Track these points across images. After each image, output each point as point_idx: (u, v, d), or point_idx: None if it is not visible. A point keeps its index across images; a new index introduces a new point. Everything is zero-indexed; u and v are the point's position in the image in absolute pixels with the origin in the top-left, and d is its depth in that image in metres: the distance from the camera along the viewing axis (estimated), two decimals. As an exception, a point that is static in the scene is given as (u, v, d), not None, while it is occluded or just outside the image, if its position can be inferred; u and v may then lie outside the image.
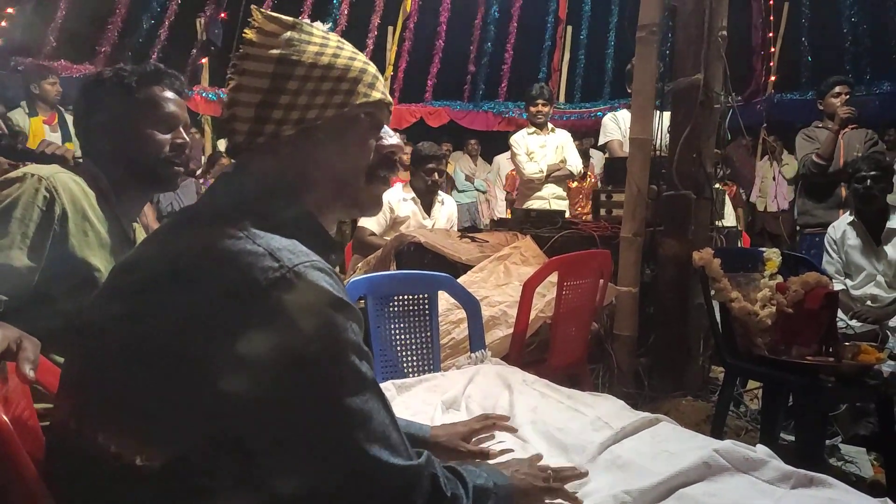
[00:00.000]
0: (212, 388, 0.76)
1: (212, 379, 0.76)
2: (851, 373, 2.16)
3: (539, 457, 1.16)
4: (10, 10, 6.63)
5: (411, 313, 2.08)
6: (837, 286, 3.15)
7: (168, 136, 1.44)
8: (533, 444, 1.31)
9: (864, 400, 2.57)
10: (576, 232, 3.38)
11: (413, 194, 3.87)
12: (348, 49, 0.97)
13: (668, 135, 3.14)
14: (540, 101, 4.73)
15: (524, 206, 4.57)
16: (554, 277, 2.45)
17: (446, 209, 4.02)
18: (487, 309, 2.47)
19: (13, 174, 1.34)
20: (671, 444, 1.20)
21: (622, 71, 4.58)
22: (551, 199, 4.71)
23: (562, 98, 9.90)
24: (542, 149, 4.74)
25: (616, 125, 4.45)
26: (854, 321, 3.16)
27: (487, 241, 3.25)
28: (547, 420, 1.35)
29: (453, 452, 1.26)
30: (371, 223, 3.72)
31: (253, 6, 0.95)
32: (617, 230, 3.19)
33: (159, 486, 0.78)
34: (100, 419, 0.82)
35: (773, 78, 8.32)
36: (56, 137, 4.63)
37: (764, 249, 2.64)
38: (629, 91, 3.48)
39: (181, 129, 1.47)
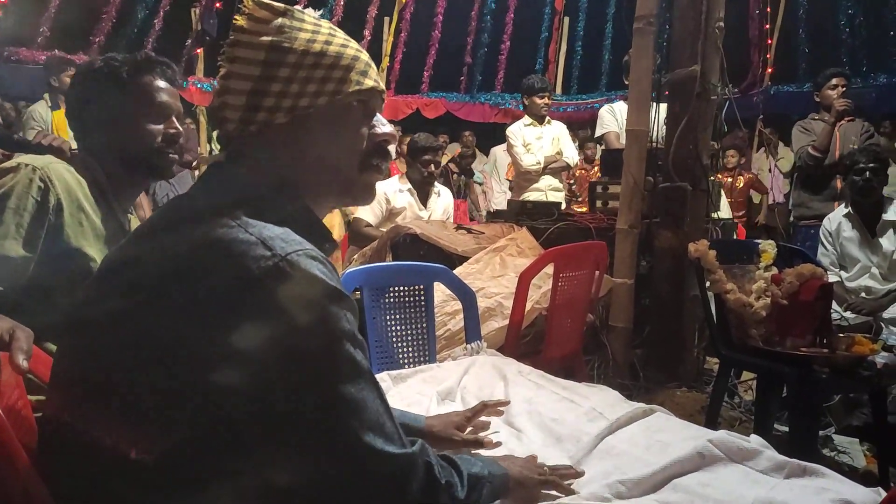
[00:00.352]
0: (205, 378, 0.76)
1: (205, 368, 0.76)
2: (845, 364, 2.17)
3: (535, 457, 1.17)
4: (2, 0, 6.58)
5: (407, 304, 2.08)
6: (832, 278, 3.16)
7: (161, 126, 1.43)
8: (528, 434, 1.31)
9: (857, 391, 2.58)
10: (572, 223, 3.38)
11: (409, 185, 3.86)
12: (340, 36, 0.96)
13: (664, 126, 3.14)
14: (545, 93, 4.73)
15: (521, 198, 4.56)
16: (550, 269, 2.45)
17: (442, 201, 4.01)
18: (483, 300, 2.47)
19: (7, 164, 1.33)
20: (665, 435, 1.21)
21: (619, 62, 4.57)
22: (548, 190, 4.70)
23: (558, 90, 9.89)
24: (539, 140, 4.73)
25: (613, 117, 4.44)
26: (848, 313, 3.17)
27: (483, 233, 3.25)
28: (542, 411, 1.36)
29: (448, 442, 1.26)
30: (367, 214, 3.72)
31: None
32: (613, 222, 3.19)
33: (153, 475, 0.77)
34: (92, 410, 0.81)
35: (769, 70, 8.31)
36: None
37: (759, 241, 2.64)
38: (626, 83, 3.48)
39: (174, 119, 1.46)
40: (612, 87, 9.57)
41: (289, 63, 0.90)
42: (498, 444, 1.28)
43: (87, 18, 7.63)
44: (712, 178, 3.19)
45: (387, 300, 2.05)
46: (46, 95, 4.63)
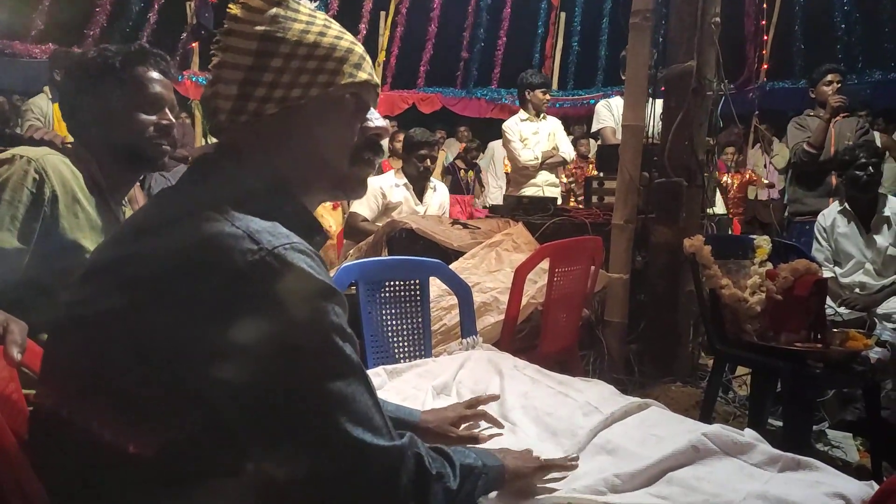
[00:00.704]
0: (192, 373, 0.76)
1: (192, 363, 0.75)
2: (839, 359, 2.18)
3: (530, 451, 1.17)
4: (-4, -8, 6.54)
5: (403, 299, 2.08)
6: (826, 273, 3.17)
7: (153, 117, 1.42)
8: (523, 428, 1.31)
9: (851, 386, 2.60)
10: (567, 219, 3.38)
11: (405, 180, 3.86)
12: (335, 28, 0.95)
13: (660, 122, 3.14)
14: (547, 88, 4.73)
15: (519, 194, 4.56)
16: (545, 264, 2.45)
17: (438, 196, 4.01)
18: (479, 295, 2.47)
19: (1, 156, 1.33)
20: (660, 429, 1.21)
21: (615, 58, 4.58)
22: (545, 186, 4.70)
23: (555, 85, 9.87)
24: (536, 135, 4.73)
25: (609, 112, 4.44)
26: (842, 308, 3.18)
27: (479, 228, 3.25)
28: (537, 405, 1.36)
29: (442, 437, 1.26)
30: (363, 209, 3.71)
31: None
32: (608, 217, 3.20)
33: (141, 470, 0.77)
34: (78, 405, 0.81)
35: (765, 66, 8.32)
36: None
37: (754, 237, 2.65)
38: (623, 78, 3.47)
39: (167, 110, 1.45)
40: (608, 82, 9.57)
41: (281, 53, 0.89)
42: (492, 437, 1.28)
43: (81, 12, 7.59)
44: (708, 173, 3.20)
45: (382, 295, 2.05)
46: (46, 88, 4.59)
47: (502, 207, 3.81)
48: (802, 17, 8.52)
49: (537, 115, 4.75)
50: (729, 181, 6.81)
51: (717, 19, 2.97)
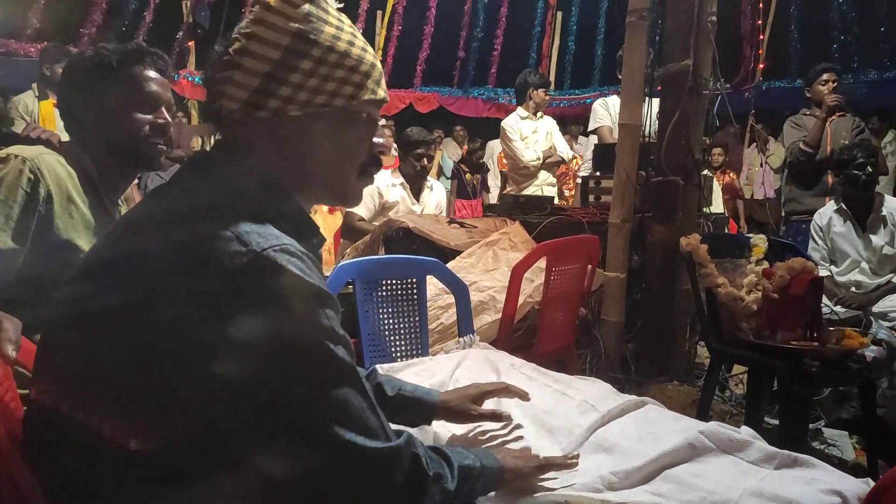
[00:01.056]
0: (180, 374, 0.75)
1: (179, 365, 0.75)
2: (835, 357, 2.19)
3: (529, 449, 1.17)
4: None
5: (400, 298, 2.08)
6: (822, 272, 3.17)
7: (149, 116, 1.42)
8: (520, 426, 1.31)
9: (847, 384, 2.60)
10: (564, 218, 3.38)
11: (402, 180, 3.86)
12: (360, 38, 0.94)
13: (657, 121, 3.14)
14: (547, 87, 4.75)
15: (520, 193, 4.55)
16: (542, 263, 2.45)
17: (435, 195, 4.01)
18: (476, 294, 2.47)
19: (-3, 156, 1.32)
20: (657, 427, 1.21)
21: (612, 57, 4.58)
22: (544, 185, 4.71)
23: (552, 85, 9.86)
24: (535, 134, 4.73)
25: (606, 111, 4.44)
26: (838, 307, 3.19)
27: (476, 227, 3.25)
28: (534, 403, 1.36)
29: (464, 415, 1.24)
30: (360, 208, 3.71)
31: None
32: (605, 216, 3.20)
33: (132, 469, 0.77)
34: (71, 401, 0.80)
35: (761, 65, 8.33)
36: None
37: (751, 235, 2.66)
38: (620, 77, 3.48)
39: (163, 109, 1.44)
40: (605, 81, 9.56)
41: (312, 56, 0.88)
42: (517, 427, 1.25)
43: (77, 11, 7.56)
44: (704, 172, 3.20)
45: (379, 294, 2.05)
46: (34, 85, 4.54)
47: (499, 206, 3.81)
48: (798, 16, 8.52)
49: (535, 114, 4.75)
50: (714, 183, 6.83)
51: (714, 18, 2.98)
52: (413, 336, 2.08)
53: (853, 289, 3.34)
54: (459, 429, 1.28)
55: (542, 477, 1.08)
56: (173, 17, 7.64)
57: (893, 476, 0.90)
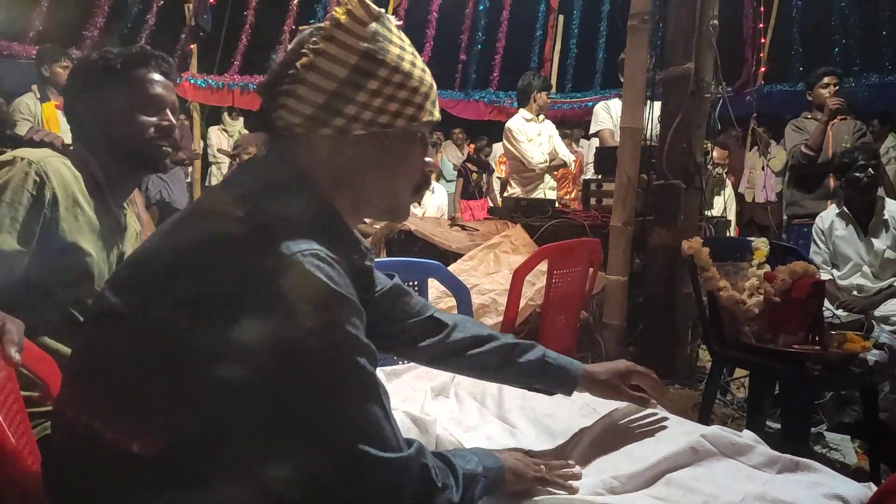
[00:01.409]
0: (206, 376, 0.76)
1: (207, 366, 0.76)
2: (837, 361, 2.18)
3: (531, 452, 1.17)
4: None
5: (401, 301, 2.07)
6: (824, 276, 3.17)
7: (154, 119, 1.42)
8: (521, 429, 1.31)
9: (848, 388, 2.60)
10: (566, 221, 3.39)
11: (403, 182, 3.85)
12: (419, 59, 0.94)
13: (658, 124, 3.14)
14: (549, 90, 4.75)
15: (525, 196, 4.54)
16: (544, 266, 2.45)
17: (436, 198, 4.02)
18: (477, 297, 2.47)
19: (2, 158, 1.32)
20: (659, 430, 1.21)
21: (614, 61, 4.58)
22: (546, 189, 4.71)
23: (553, 88, 9.86)
24: (539, 137, 4.73)
25: (608, 114, 4.44)
26: (840, 311, 3.18)
27: (478, 230, 3.26)
28: (535, 406, 1.36)
29: (612, 390, 1.23)
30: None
31: None
32: (607, 219, 3.20)
33: (153, 471, 0.78)
34: (107, 407, 0.81)
35: (763, 69, 8.33)
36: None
37: (752, 239, 2.65)
38: (622, 80, 3.48)
39: (168, 112, 1.45)
40: (606, 85, 9.56)
41: (379, 76, 0.88)
42: (651, 406, 1.25)
43: (79, 13, 7.58)
44: (706, 176, 3.20)
45: (381, 296, 2.05)
46: (35, 87, 4.54)
47: (501, 209, 3.81)
48: (800, 20, 8.53)
49: (538, 117, 4.76)
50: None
51: (715, 22, 2.98)
52: (415, 339, 2.07)
53: (855, 292, 3.33)
54: (461, 434, 1.28)
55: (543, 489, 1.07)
56: (176, 20, 7.64)
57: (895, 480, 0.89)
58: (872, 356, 2.19)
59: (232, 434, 0.77)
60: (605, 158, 3.82)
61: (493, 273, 2.77)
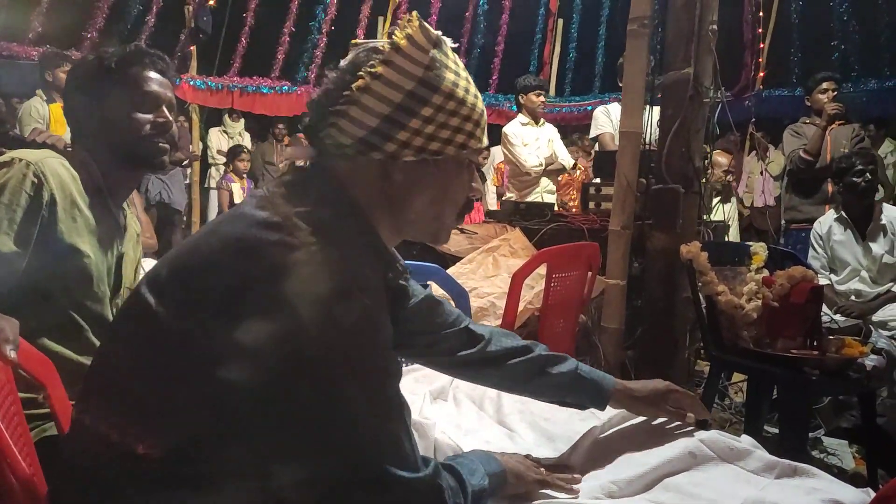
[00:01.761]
0: (235, 385, 0.76)
1: (235, 374, 0.76)
2: (835, 366, 2.19)
3: (530, 456, 1.17)
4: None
5: (400, 304, 2.07)
6: (822, 281, 3.18)
7: (150, 116, 1.42)
8: (520, 434, 1.31)
9: (846, 393, 2.60)
10: (565, 224, 3.39)
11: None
12: (472, 85, 0.94)
13: (657, 128, 3.15)
14: (542, 91, 4.72)
15: (520, 199, 4.55)
16: (542, 269, 2.45)
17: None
18: (476, 300, 2.47)
19: (0, 159, 1.32)
20: (657, 435, 1.21)
21: (613, 65, 4.59)
22: (544, 192, 4.71)
23: (552, 92, 9.88)
24: (537, 141, 4.73)
25: (607, 118, 4.45)
26: (838, 315, 3.19)
27: (476, 233, 3.26)
28: (534, 410, 1.36)
29: (653, 408, 1.21)
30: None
31: (414, 13, 0.89)
32: (606, 223, 3.20)
33: (169, 472, 0.78)
34: (134, 404, 0.81)
35: (762, 74, 8.35)
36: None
37: (751, 244, 2.66)
38: (620, 85, 3.48)
39: (164, 109, 1.44)
40: (605, 89, 9.57)
41: (433, 103, 0.87)
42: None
43: (79, 14, 7.58)
44: (705, 180, 3.21)
45: (380, 299, 2.05)
46: (40, 91, 4.59)
47: (500, 213, 3.81)
48: (799, 25, 8.54)
49: (536, 122, 4.75)
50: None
51: (715, 27, 2.98)
52: (413, 342, 2.07)
53: (853, 297, 3.34)
54: (460, 438, 1.28)
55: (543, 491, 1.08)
56: (175, 22, 7.64)
57: (894, 486, 0.89)
58: (870, 361, 2.19)
59: (253, 440, 0.78)
60: (605, 162, 3.83)
61: (491, 276, 2.77)
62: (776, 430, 2.61)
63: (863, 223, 3.36)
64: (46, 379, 1.08)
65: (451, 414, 1.42)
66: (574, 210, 3.93)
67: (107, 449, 0.80)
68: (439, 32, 0.89)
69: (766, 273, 2.47)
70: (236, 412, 0.77)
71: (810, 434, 2.63)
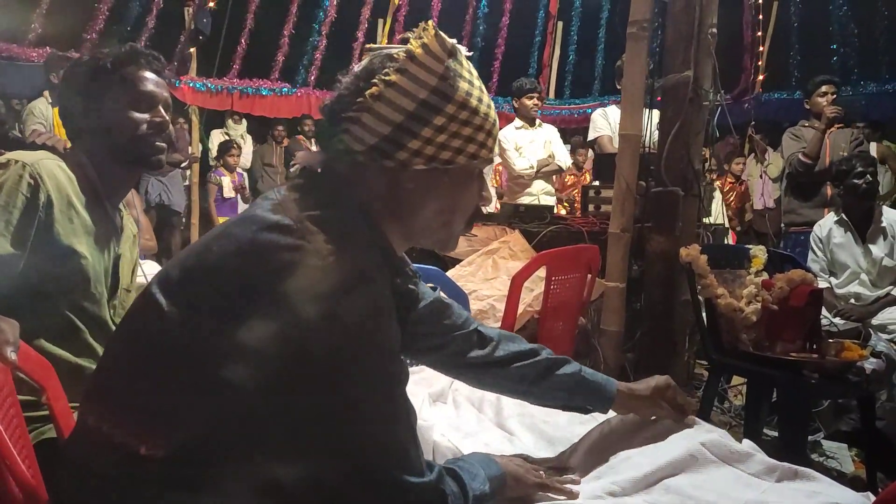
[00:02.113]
0: (244, 385, 0.76)
1: (243, 374, 0.76)
2: (834, 369, 2.19)
3: (528, 457, 1.17)
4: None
5: (399, 306, 2.07)
6: (822, 284, 3.17)
7: (146, 115, 1.42)
8: (519, 436, 1.31)
9: (846, 396, 2.60)
10: (564, 227, 3.39)
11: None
12: (485, 94, 0.93)
13: (657, 131, 3.15)
14: (535, 94, 4.71)
15: (514, 202, 4.55)
16: (542, 272, 2.45)
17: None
18: (475, 303, 2.47)
19: (-2, 161, 1.32)
20: (658, 437, 1.21)
21: (612, 67, 4.59)
22: (540, 194, 4.70)
23: (552, 94, 9.89)
24: (532, 144, 4.72)
25: (606, 121, 4.45)
26: (838, 319, 3.19)
27: (476, 236, 3.26)
28: (534, 413, 1.36)
29: (654, 407, 1.21)
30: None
31: (430, 21, 0.89)
32: (605, 225, 3.20)
33: (173, 472, 0.78)
34: (142, 403, 0.81)
35: (761, 77, 8.36)
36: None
37: (750, 247, 2.66)
38: (619, 87, 3.49)
39: (160, 108, 1.44)
40: (605, 91, 9.58)
41: (446, 113, 0.87)
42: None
43: (79, 16, 7.58)
44: (705, 183, 3.21)
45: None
46: (46, 93, 4.59)
47: (499, 215, 3.81)
48: (798, 28, 8.56)
49: (532, 124, 4.74)
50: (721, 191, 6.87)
51: (714, 30, 2.99)
52: (412, 344, 2.07)
53: (853, 301, 3.34)
54: (459, 441, 1.27)
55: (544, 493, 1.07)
56: (175, 24, 7.65)
57: (894, 490, 0.89)
58: (870, 364, 2.19)
59: (261, 441, 0.78)
60: (604, 165, 3.83)
61: (491, 279, 2.77)
62: (775, 433, 2.61)
63: (863, 225, 3.36)
64: (46, 381, 1.07)
65: (450, 416, 1.41)
66: (578, 211, 3.94)
67: (114, 449, 0.80)
68: (454, 41, 0.89)
69: (765, 276, 2.47)
70: (246, 414, 0.77)
71: (810, 437, 2.63)
